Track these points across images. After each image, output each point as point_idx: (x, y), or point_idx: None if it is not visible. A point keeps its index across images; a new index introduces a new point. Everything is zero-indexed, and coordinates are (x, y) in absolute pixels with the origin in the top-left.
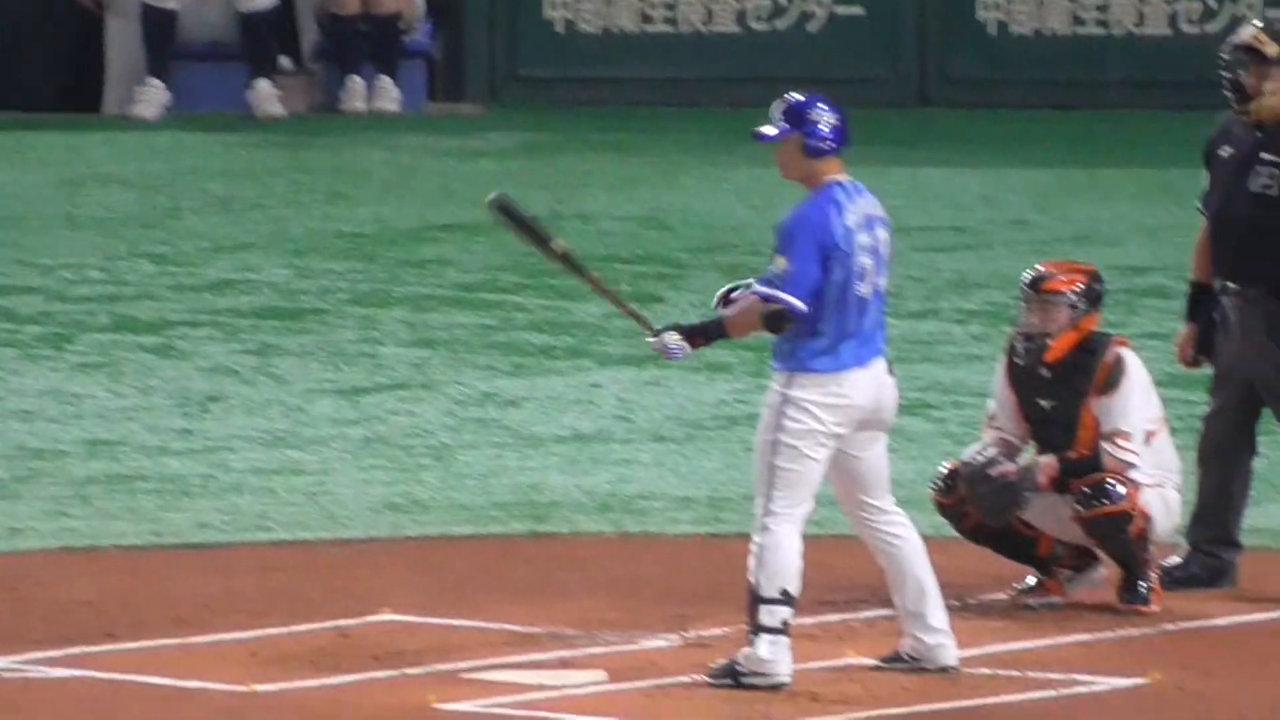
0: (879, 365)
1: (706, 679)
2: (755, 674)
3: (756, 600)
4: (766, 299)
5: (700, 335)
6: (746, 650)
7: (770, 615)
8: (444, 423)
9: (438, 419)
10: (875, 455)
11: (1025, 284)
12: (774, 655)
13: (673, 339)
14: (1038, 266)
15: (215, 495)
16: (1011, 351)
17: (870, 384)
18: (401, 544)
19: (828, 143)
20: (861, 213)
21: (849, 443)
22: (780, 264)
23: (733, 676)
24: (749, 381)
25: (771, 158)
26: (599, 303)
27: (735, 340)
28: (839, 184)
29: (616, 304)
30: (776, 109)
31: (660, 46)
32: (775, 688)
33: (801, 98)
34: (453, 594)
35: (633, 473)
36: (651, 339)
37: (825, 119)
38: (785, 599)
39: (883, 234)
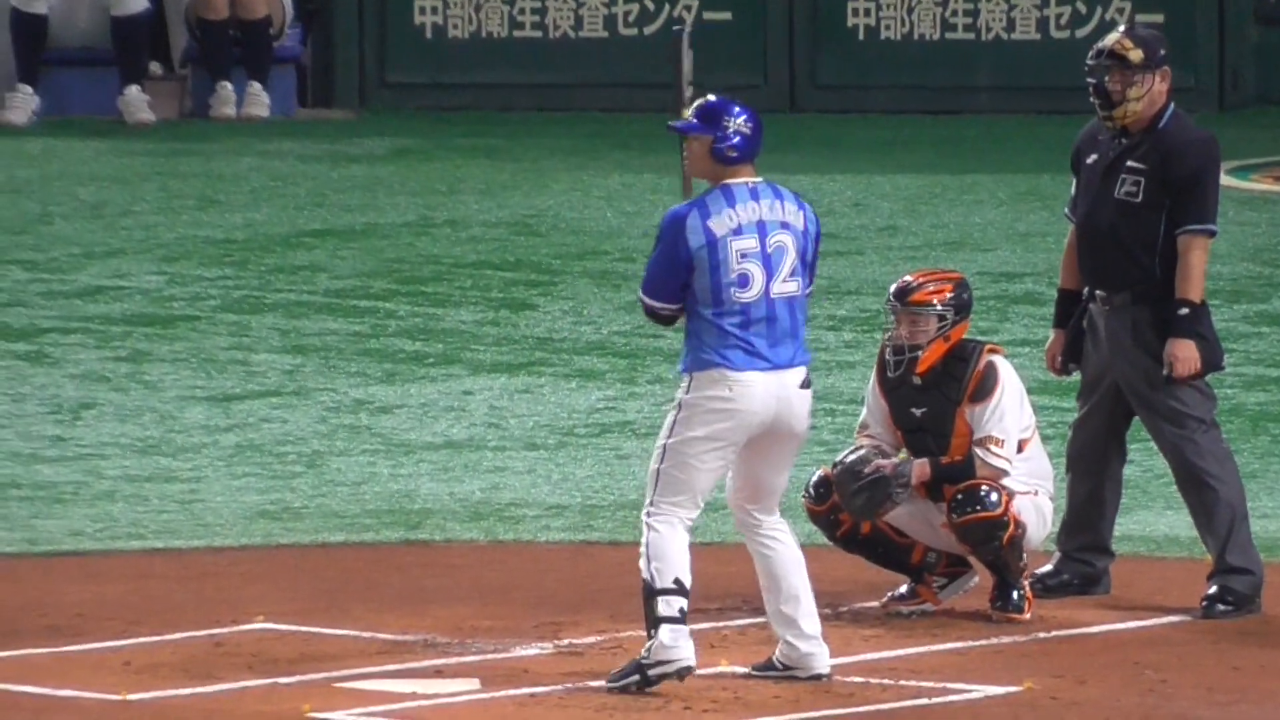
0: (787, 376)
1: (609, 684)
2: (660, 663)
3: (653, 593)
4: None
5: None
6: (649, 643)
7: (668, 605)
8: (316, 430)
9: (310, 426)
10: (777, 469)
11: (892, 295)
12: (676, 642)
13: None
14: (905, 277)
15: (88, 503)
16: (882, 362)
17: (768, 391)
18: (274, 552)
19: (734, 150)
20: (750, 217)
21: (754, 448)
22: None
23: (639, 672)
24: (620, 389)
25: (646, 162)
26: (470, 310)
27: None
28: (727, 187)
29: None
30: (695, 105)
31: (530, 51)
32: (682, 673)
33: (719, 100)
34: (326, 602)
35: (505, 480)
36: None
37: (736, 125)
38: (679, 588)
39: (783, 238)
